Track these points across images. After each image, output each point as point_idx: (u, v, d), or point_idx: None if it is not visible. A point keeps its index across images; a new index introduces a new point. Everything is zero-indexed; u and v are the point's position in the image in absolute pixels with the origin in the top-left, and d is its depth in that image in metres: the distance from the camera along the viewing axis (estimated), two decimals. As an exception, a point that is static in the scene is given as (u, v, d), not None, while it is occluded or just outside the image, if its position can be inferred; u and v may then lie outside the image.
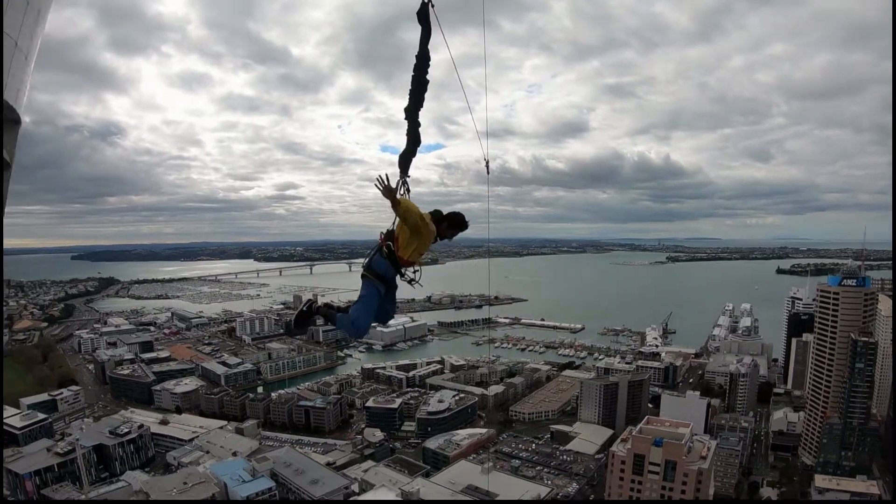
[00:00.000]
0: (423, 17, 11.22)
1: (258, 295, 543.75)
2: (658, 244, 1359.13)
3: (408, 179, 11.72)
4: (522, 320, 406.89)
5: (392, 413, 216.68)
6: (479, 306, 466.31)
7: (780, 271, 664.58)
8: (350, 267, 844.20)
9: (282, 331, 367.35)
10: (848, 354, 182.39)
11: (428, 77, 11.65)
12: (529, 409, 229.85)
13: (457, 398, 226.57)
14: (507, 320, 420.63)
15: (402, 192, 11.61)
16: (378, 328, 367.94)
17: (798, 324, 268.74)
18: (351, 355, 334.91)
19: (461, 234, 12.88)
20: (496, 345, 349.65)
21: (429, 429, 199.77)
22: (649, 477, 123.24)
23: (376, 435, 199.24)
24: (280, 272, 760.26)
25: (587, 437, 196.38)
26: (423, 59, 11.50)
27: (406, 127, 11.75)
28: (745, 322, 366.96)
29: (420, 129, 11.65)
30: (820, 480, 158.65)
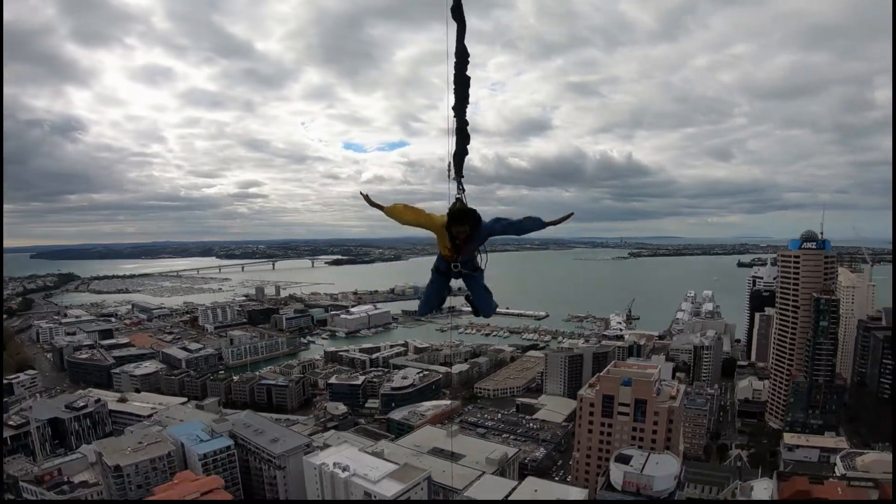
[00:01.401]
0: (458, 12, 10.64)
1: (220, 289, 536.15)
2: (620, 242, 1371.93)
3: (462, 180, 11.42)
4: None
5: (355, 389, 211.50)
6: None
7: (740, 265, 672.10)
8: (312, 263, 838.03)
9: (244, 320, 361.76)
10: (811, 313, 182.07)
11: (468, 74, 11.07)
12: (494, 386, 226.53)
13: (421, 375, 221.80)
14: (470, 308, 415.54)
15: (458, 193, 11.37)
16: (342, 315, 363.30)
17: (760, 300, 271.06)
18: (314, 341, 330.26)
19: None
20: (460, 331, 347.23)
21: (393, 404, 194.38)
22: (619, 419, 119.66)
23: (339, 408, 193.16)
24: (242, 268, 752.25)
25: (553, 408, 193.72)
26: (461, 56, 10.93)
27: (455, 126, 11.36)
28: (708, 307, 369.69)
29: (468, 127, 11.17)
30: (788, 438, 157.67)
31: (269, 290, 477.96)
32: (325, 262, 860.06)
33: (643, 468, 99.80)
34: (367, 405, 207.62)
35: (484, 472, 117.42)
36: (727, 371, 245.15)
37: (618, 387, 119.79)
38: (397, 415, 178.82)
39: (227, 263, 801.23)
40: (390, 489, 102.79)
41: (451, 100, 11.32)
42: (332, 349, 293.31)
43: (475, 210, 11.51)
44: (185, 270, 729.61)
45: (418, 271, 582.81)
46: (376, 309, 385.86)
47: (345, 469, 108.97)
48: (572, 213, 12.22)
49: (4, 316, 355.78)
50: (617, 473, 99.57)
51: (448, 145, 12.50)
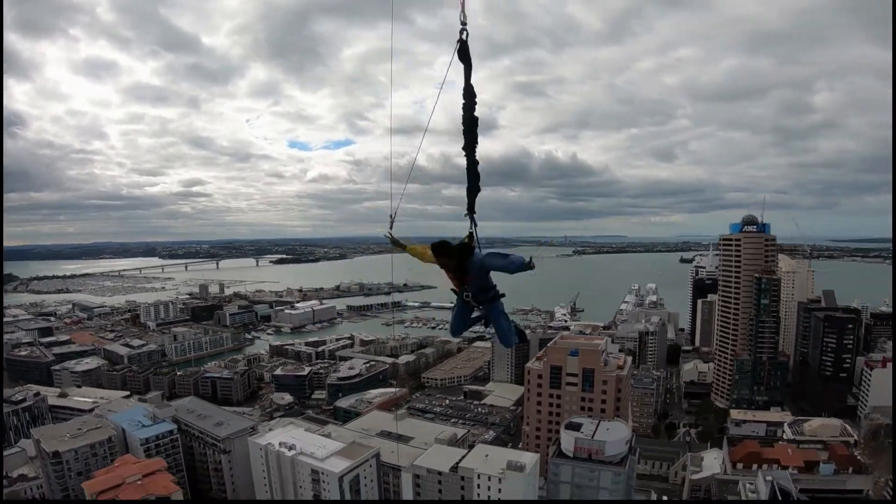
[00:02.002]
0: (464, 53, 10.49)
1: (163, 288, 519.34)
2: (565, 240, 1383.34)
3: (475, 216, 11.35)
4: (432, 304, 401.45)
5: (301, 380, 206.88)
6: (388, 293, 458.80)
7: (682, 261, 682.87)
8: (257, 262, 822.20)
9: (187, 317, 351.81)
10: (753, 293, 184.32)
11: (476, 114, 10.88)
12: (442, 375, 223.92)
13: (368, 365, 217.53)
14: (416, 304, 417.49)
15: (471, 227, 11.31)
16: (286, 311, 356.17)
17: (702, 288, 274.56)
18: (259, 337, 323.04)
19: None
20: (406, 325, 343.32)
21: (339, 394, 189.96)
22: (567, 389, 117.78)
23: (285, 398, 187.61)
24: (186, 267, 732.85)
25: (501, 393, 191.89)
26: (469, 96, 10.71)
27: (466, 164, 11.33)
28: (651, 298, 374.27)
29: (478, 166, 11.04)
30: (735, 413, 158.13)
31: (214, 289, 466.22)
32: (270, 262, 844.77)
33: (594, 434, 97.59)
34: (313, 396, 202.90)
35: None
36: (672, 358, 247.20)
37: (565, 357, 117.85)
38: (344, 403, 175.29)
39: (170, 263, 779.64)
40: (338, 466, 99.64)
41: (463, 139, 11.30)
42: (278, 343, 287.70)
43: (447, 242, 11.55)
44: (126, 270, 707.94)
45: (363, 270, 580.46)
46: (322, 304, 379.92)
47: (291, 448, 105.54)
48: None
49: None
50: (568, 440, 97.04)
51: (390, 145, 14.41)
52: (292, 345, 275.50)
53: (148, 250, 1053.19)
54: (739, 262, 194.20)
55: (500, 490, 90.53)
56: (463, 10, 10.73)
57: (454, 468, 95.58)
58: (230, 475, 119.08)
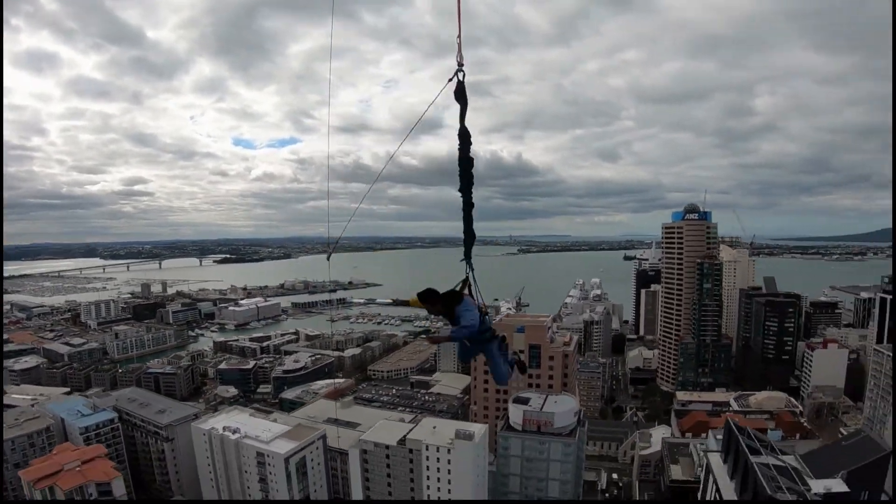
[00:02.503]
0: (461, 94, 10.11)
1: (104, 287, 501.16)
2: (510, 239, 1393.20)
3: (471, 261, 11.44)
4: (377, 300, 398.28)
5: (246, 374, 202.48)
6: (334, 290, 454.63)
7: (626, 258, 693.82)
8: (201, 261, 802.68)
9: (129, 316, 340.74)
10: (696, 278, 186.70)
11: (472, 154, 10.49)
12: (388, 367, 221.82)
13: (313, 358, 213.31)
14: (362, 300, 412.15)
15: (468, 270, 11.74)
16: (230, 308, 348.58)
17: (645, 279, 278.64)
18: (203, 334, 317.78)
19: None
20: (351, 321, 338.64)
21: (285, 386, 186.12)
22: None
23: (230, 391, 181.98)
24: (128, 267, 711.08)
25: (448, 383, 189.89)
26: (464, 137, 10.22)
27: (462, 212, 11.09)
28: (596, 292, 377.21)
29: (473, 210, 10.83)
30: (681, 395, 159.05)
31: (156, 288, 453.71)
32: (214, 261, 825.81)
33: (542, 407, 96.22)
34: (258, 390, 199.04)
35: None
36: (617, 347, 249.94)
37: (511, 334, 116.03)
38: (290, 394, 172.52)
39: (112, 263, 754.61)
40: (283, 448, 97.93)
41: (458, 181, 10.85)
42: (222, 339, 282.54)
43: (434, 292, 11.53)
44: (66, 270, 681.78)
45: (307, 269, 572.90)
46: (266, 301, 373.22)
47: (235, 431, 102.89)
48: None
49: None
50: (516, 413, 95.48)
51: (328, 144, 16.61)
52: (237, 341, 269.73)
53: (88, 251, 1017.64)
54: (682, 248, 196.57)
55: (449, 461, 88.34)
56: (460, 51, 10.32)
57: (402, 441, 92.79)
58: (174, 463, 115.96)
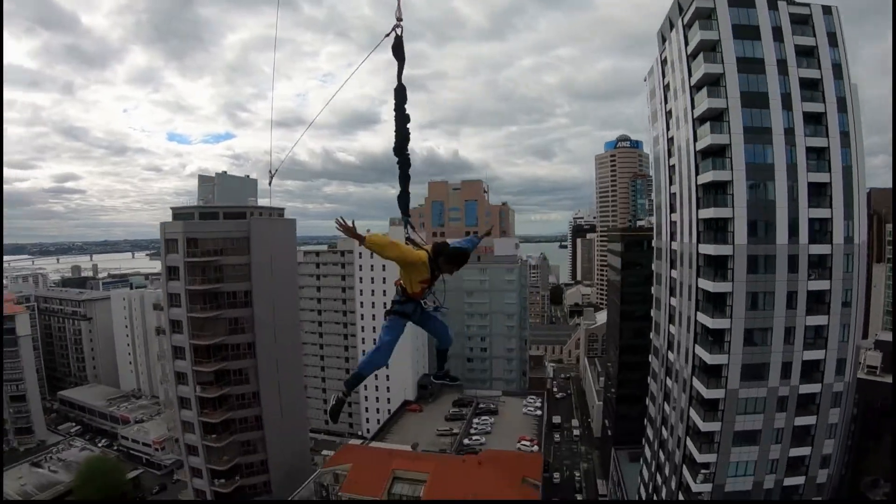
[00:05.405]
0: (398, 50, 9.36)
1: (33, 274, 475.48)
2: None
3: (409, 219, 9.42)
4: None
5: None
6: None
7: (561, 246, 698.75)
8: (133, 254, 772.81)
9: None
10: (629, 195, 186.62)
11: (407, 112, 9.50)
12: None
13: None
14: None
15: (407, 232, 9.18)
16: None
17: (580, 230, 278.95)
18: None
19: None
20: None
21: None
22: (451, 225, 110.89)
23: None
24: (58, 260, 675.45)
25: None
26: (401, 93, 9.42)
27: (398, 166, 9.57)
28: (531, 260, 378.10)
29: (409, 168, 9.41)
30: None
31: (88, 274, 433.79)
32: (147, 254, 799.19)
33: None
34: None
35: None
36: (556, 299, 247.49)
37: (447, 192, 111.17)
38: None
39: (41, 258, 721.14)
40: None
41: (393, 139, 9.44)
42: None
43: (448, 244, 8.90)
44: None
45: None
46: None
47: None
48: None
49: None
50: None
51: (270, 140, 14.39)
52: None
53: (17, 248, 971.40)
54: (615, 173, 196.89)
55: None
56: (399, 7, 9.29)
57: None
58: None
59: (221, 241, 68.20)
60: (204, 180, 75.80)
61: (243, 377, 69.67)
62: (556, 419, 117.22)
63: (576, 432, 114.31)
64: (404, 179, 9.81)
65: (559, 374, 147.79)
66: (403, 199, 9.79)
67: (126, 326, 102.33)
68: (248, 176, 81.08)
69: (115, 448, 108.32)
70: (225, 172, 77.35)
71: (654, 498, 62.11)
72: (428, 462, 64.27)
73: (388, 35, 9.40)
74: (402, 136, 9.61)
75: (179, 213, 72.34)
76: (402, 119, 9.58)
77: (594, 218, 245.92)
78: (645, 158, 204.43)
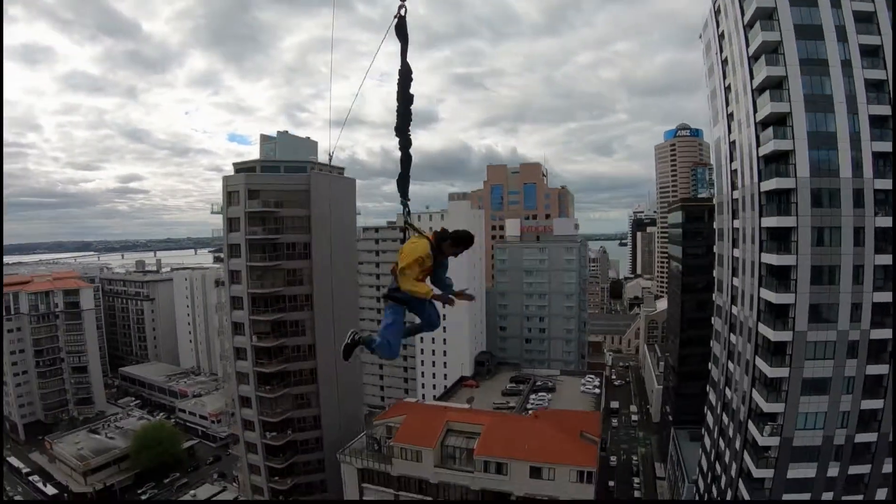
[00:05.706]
0: (401, 30, 9.10)
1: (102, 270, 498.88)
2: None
3: (408, 202, 9.57)
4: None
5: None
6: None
7: (621, 244, 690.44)
8: (195, 251, 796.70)
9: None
10: (689, 184, 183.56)
11: (412, 92, 9.45)
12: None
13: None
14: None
15: (406, 215, 9.64)
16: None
17: (640, 224, 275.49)
18: None
19: None
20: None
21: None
22: (510, 209, 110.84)
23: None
24: (122, 256, 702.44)
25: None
26: (406, 75, 9.30)
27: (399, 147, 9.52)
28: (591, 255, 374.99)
29: (411, 148, 9.40)
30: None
31: (151, 269, 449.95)
32: (210, 251, 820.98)
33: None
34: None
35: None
36: (616, 293, 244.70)
37: (506, 175, 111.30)
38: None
39: (107, 254, 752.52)
40: None
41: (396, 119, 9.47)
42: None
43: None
44: (62, 258, 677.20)
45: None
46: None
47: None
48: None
49: None
50: (513, 226, 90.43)
51: (329, 137, 15.82)
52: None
53: (83, 246, 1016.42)
54: (675, 163, 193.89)
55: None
56: None
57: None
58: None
59: (282, 193, 69.77)
60: (265, 139, 78.17)
61: (300, 329, 71.04)
62: (615, 404, 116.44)
63: (634, 418, 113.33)
64: (405, 161, 9.93)
65: (618, 363, 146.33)
66: (403, 181, 9.94)
67: (187, 306, 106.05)
68: (308, 137, 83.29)
69: (173, 420, 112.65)
70: (286, 132, 79.56)
71: (713, 486, 61.17)
72: (483, 416, 64.58)
73: (395, 17, 9.25)
74: (405, 117, 9.72)
75: (241, 168, 74.53)
76: (405, 100, 9.66)
77: (654, 212, 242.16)
78: (705, 147, 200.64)
